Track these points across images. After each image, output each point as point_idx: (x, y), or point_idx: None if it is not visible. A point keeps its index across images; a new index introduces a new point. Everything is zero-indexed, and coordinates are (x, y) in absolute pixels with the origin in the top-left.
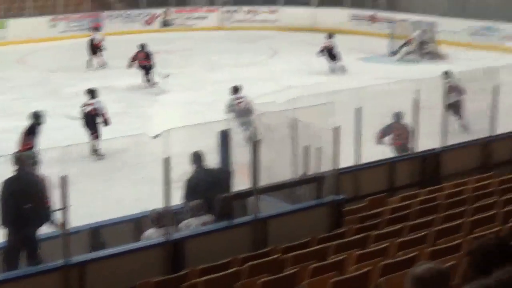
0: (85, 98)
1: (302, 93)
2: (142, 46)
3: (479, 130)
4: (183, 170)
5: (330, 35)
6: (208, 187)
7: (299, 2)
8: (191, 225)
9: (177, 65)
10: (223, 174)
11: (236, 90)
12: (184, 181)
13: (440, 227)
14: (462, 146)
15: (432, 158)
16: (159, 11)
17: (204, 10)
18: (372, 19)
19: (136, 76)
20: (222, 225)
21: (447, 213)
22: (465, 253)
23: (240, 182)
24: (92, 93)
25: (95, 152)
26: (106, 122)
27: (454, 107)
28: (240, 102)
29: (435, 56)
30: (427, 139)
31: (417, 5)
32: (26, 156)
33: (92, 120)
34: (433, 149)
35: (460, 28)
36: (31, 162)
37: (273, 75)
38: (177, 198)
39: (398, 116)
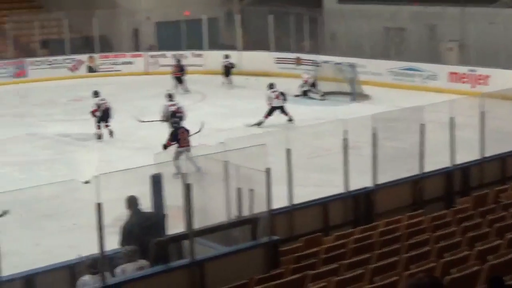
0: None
1: (231, 136)
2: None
3: (409, 168)
4: (116, 215)
5: (227, 56)
6: (143, 231)
7: (224, 46)
8: (127, 270)
9: None
10: (158, 218)
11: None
12: (119, 226)
13: (376, 264)
14: (394, 184)
15: (364, 197)
16: (84, 57)
17: (130, 56)
18: (297, 61)
19: (63, 122)
20: (158, 269)
21: (382, 250)
22: None
23: (175, 226)
24: (170, 96)
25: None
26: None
27: (279, 109)
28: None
29: (358, 96)
30: (358, 178)
31: (340, 48)
32: None
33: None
34: (365, 188)
35: (383, 69)
36: None
37: (201, 119)
38: (112, 243)
39: (178, 122)
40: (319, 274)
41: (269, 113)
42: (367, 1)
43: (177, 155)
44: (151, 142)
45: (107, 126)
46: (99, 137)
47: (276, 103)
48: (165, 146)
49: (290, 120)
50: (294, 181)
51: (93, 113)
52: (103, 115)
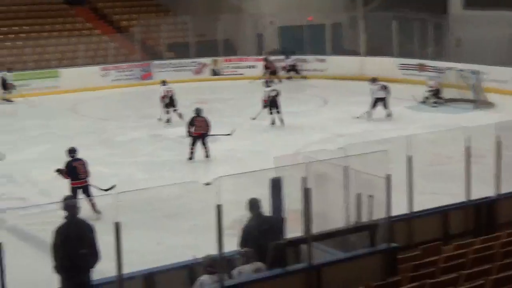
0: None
1: (351, 141)
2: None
3: None
4: (235, 217)
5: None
6: (263, 234)
7: (347, 52)
8: (244, 272)
9: (226, 114)
10: (277, 222)
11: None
12: (240, 228)
13: (497, 276)
14: None
15: (486, 206)
16: (208, 60)
17: (253, 59)
18: (420, 67)
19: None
20: (276, 272)
21: (503, 262)
22: None
23: (293, 230)
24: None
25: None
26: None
27: (381, 101)
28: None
29: (482, 104)
30: (480, 187)
31: (464, 55)
32: (74, 203)
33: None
34: (488, 197)
35: (508, 77)
36: (77, 208)
37: (322, 123)
38: (229, 245)
39: (198, 110)
40: (438, 284)
41: (374, 104)
42: (494, 7)
43: (194, 141)
44: (271, 145)
45: (175, 110)
46: (168, 120)
47: (379, 94)
48: (189, 133)
49: (389, 115)
50: (414, 189)
51: (162, 98)
52: (169, 101)
